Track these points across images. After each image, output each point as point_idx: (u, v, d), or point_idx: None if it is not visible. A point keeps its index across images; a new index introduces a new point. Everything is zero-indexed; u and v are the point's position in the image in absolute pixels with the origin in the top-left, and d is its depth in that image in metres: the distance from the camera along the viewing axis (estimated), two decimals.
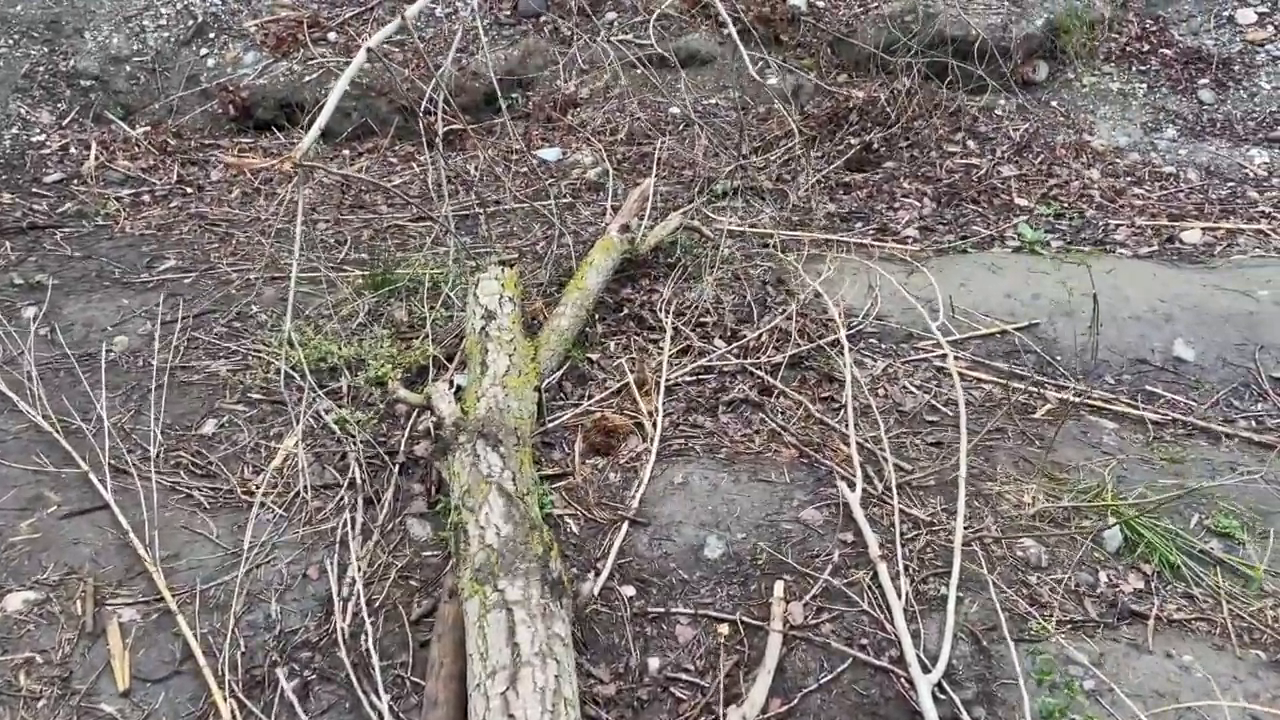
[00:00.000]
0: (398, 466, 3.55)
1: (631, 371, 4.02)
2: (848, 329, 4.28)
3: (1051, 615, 2.88)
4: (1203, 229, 5.55)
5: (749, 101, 6.92)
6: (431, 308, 4.47)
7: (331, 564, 3.15)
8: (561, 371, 4.01)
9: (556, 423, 3.76)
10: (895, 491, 3.31)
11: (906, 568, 3.02)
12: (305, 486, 3.48)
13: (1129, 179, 6.15)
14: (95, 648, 2.90)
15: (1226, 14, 7.34)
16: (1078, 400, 3.94)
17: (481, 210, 5.56)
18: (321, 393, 3.92)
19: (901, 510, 3.23)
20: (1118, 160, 6.34)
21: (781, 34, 7.43)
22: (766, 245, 5.18)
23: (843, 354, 4.14)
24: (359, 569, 3.11)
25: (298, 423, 3.73)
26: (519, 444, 3.18)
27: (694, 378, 4.04)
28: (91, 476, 3.50)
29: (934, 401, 3.95)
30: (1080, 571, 3.05)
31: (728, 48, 7.37)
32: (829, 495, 3.35)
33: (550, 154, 6.51)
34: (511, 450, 3.10)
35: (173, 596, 3.02)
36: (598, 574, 3.06)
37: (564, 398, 3.93)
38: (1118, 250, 5.29)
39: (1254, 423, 3.90)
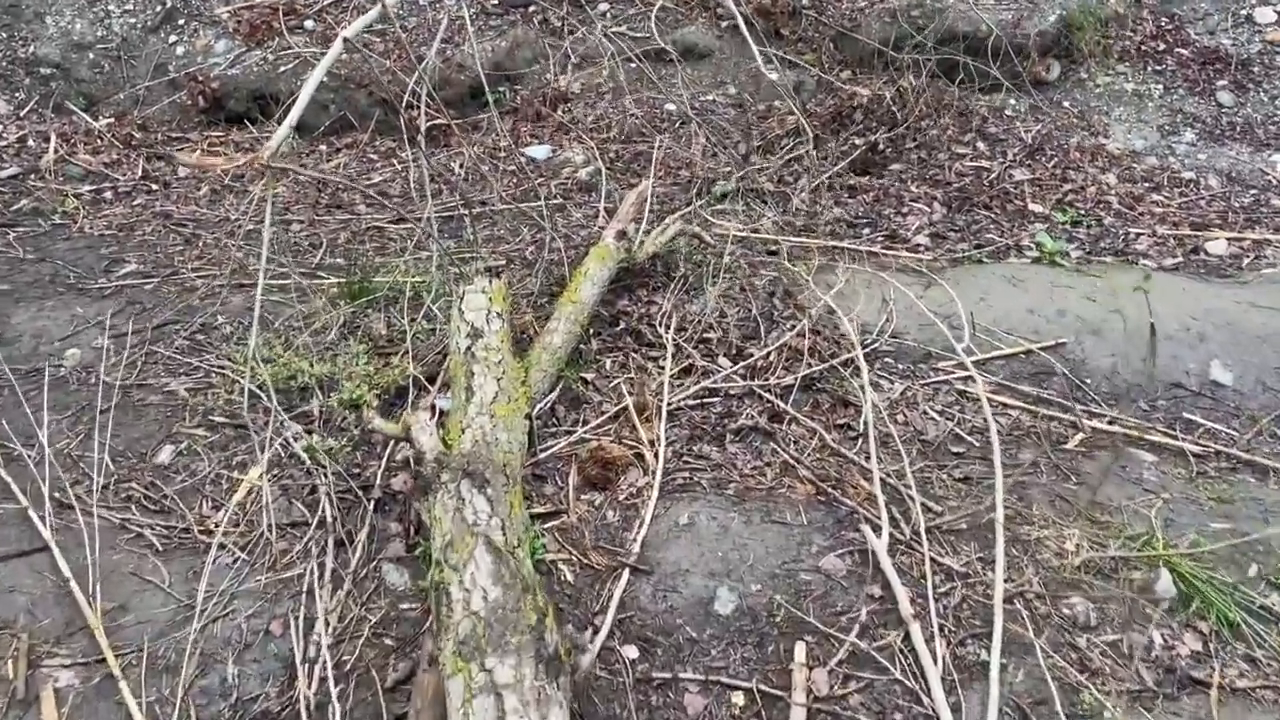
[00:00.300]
0: (373, 503, 3.21)
1: (630, 394, 3.69)
2: (863, 346, 3.96)
3: (1105, 684, 2.57)
4: (1228, 239, 5.27)
5: (748, 98, 6.59)
6: (413, 319, 4.13)
7: (297, 618, 2.81)
8: (554, 394, 3.68)
9: (549, 453, 3.42)
10: (925, 537, 2.99)
11: (942, 628, 2.71)
12: (270, 525, 3.13)
13: (1147, 185, 5.86)
14: (27, 718, 2.55)
15: (1244, 12, 7.06)
16: (1119, 431, 3.64)
17: (466, 212, 5.21)
18: (290, 416, 3.57)
19: (933, 559, 2.92)
20: (1135, 165, 6.05)
21: (782, 27, 7.10)
22: (772, 252, 4.86)
23: (858, 375, 3.83)
24: (327, 624, 2.77)
25: (263, 451, 3.38)
26: (509, 483, 2.85)
27: (698, 401, 3.72)
28: (31, 513, 3.14)
29: (958, 430, 3.64)
30: (1132, 631, 2.75)
31: (726, 41, 7.05)
32: (851, 540, 3.03)
33: (539, 152, 6.17)
34: (500, 492, 2.76)
35: (117, 657, 2.68)
36: (596, 631, 2.73)
37: (556, 423, 3.60)
38: (1141, 262, 4.99)
39: None
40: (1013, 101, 6.62)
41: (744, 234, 4.98)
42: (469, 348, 3.38)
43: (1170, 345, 4.12)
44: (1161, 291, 4.49)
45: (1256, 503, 3.28)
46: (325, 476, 3.30)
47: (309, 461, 3.38)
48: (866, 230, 5.26)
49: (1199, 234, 5.31)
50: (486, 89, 5.54)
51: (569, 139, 6.26)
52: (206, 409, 3.68)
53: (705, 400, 3.72)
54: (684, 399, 3.70)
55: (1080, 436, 3.63)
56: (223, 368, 3.91)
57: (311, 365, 3.78)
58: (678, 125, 6.32)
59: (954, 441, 3.58)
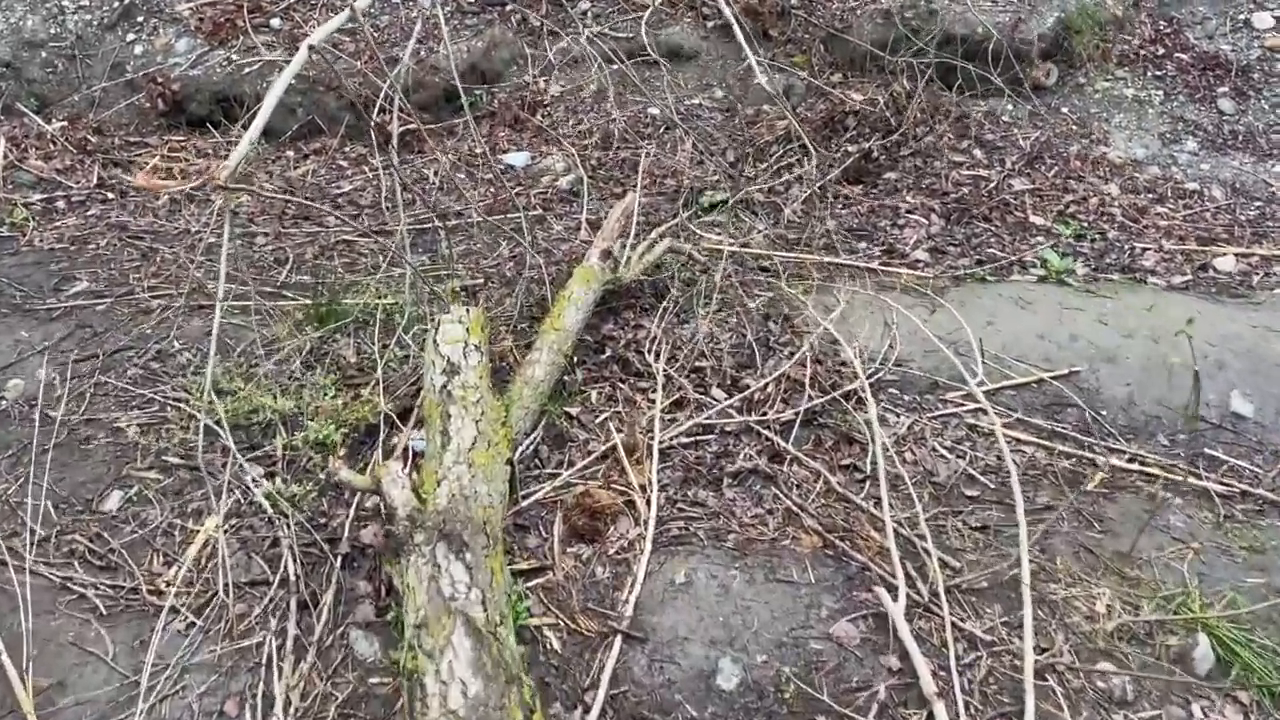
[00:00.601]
0: (340, 558, 2.93)
1: (619, 431, 3.43)
2: (867, 376, 3.72)
3: None
4: (1237, 255, 5.07)
5: (736, 102, 6.33)
6: (385, 345, 3.85)
7: (255, 695, 2.54)
8: (537, 433, 3.41)
9: (532, 499, 3.16)
10: (944, 597, 2.75)
11: (967, 705, 2.47)
12: (227, 585, 2.85)
13: (1150, 196, 5.65)
14: None
15: (1243, 17, 6.87)
16: (1138, 470, 3.42)
17: (441, 225, 4.92)
18: (250, 458, 3.28)
19: (954, 624, 2.68)
20: (1137, 175, 5.84)
21: (770, 28, 6.84)
22: (765, 269, 4.61)
23: (862, 408, 3.59)
24: (288, 704, 2.50)
25: (220, 498, 3.10)
26: (489, 544, 2.58)
27: (691, 439, 3.46)
28: None
29: (971, 469, 3.41)
30: (1171, 704, 2.52)
31: (713, 42, 6.79)
32: (864, 602, 2.79)
33: (518, 159, 5.88)
34: (480, 556, 2.50)
35: None
36: (586, 711, 2.47)
37: (540, 465, 3.33)
38: (1149, 279, 4.78)
39: None
40: (1010, 107, 6.40)
41: (735, 249, 4.72)
42: (445, 385, 3.10)
43: (1187, 374, 3.90)
44: (1176, 315, 4.28)
45: None
46: (288, 527, 3.02)
47: (270, 510, 3.09)
48: (863, 244, 5.02)
49: (1206, 249, 5.10)
50: (462, 92, 5.25)
51: (549, 145, 5.98)
52: (159, 449, 3.39)
53: (699, 438, 3.47)
54: (676, 437, 3.45)
55: (1100, 476, 3.41)
56: (178, 401, 3.61)
57: (274, 399, 3.49)
58: (663, 131, 6.06)
59: (967, 483, 3.35)
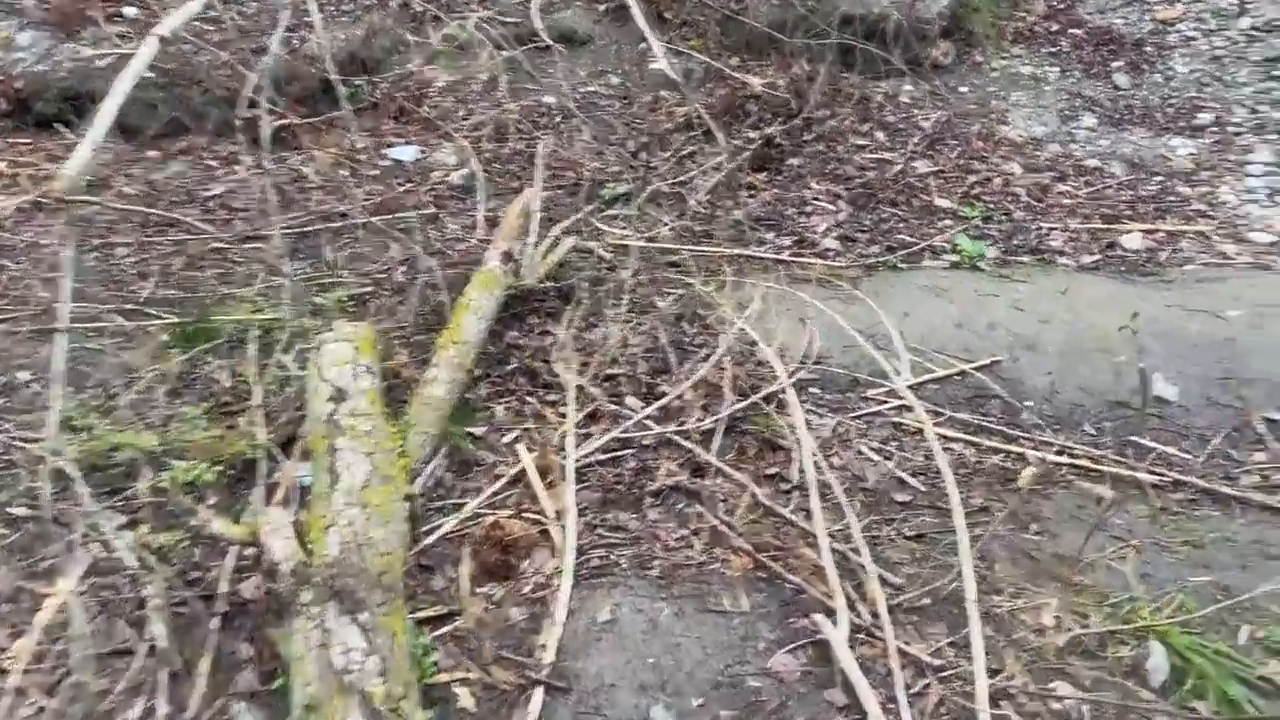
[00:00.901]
0: (217, 618, 2.59)
1: (529, 451, 3.15)
2: (788, 375, 3.52)
3: None
4: (1142, 232, 5.05)
5: (633, 89, 6.08)
6: (264, 365, 3.48)
7: None
8: (439, 459, 3.11)
9: (436, 535, 2.86)
10: (886, 618, 2.56)
11: None
12: (84, 657, 2.48)
13: (1052, 174, 5.60)
14: None
15: None
16: (1068, 463, 3.31)
17: (325, 227, 4.55)
18: (110, 505, 2.90)
19: (900, 649, 2.49)
20: (1038, 153, 5.80)
21: (665, 10, 6.61)
22: (674, 265, 4.38)
23: (784, 411, 3.39)
24: None
25: (74, 553, 2.72)
26: (388, 599, 2.28)
27: (609, 455, 3.21)
28: None
29: (900, 471, 3.24)
30: None
31: (606, 26, 6.52)
32: (802, 630, 2.58)
33: (405, 153, 5.52)
34: (377, 615, 2.20)
35: None
36: None
37: (443, 495, 3.04)
38: (1058, 260, 4.71)
39: (1260, 478, 3.34)
40: (910, 88, 6.30)
41: (642, 244, 4.47)
42: (331, 414, 2.78)
43: (1109, 359, 3.82)
44: (1091, 298, 4.21)
45: (1229, 544, 2.98)
46: (156, 584, 2.65)
47: (135, 565, 2.72)
48: (771, 234, 4.84)
49: (1112, 227, 5.07)
50: (339, 84, 4.86)
51: (439, 138, 5.63)
52: (2, 500, 2.97)
53: (617, 453, 3.22)
54: (592, 454, 3.19)
55: (1031, 471, 3.27)
56: (24, 442, 3.19)
57: (136, 435, 3.10)
58: (559, 120, 5.76)
59: (898, 487, 3.18)
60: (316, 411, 2.82)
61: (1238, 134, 6.10)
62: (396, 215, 4.69)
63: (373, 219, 4.70)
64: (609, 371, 3.58)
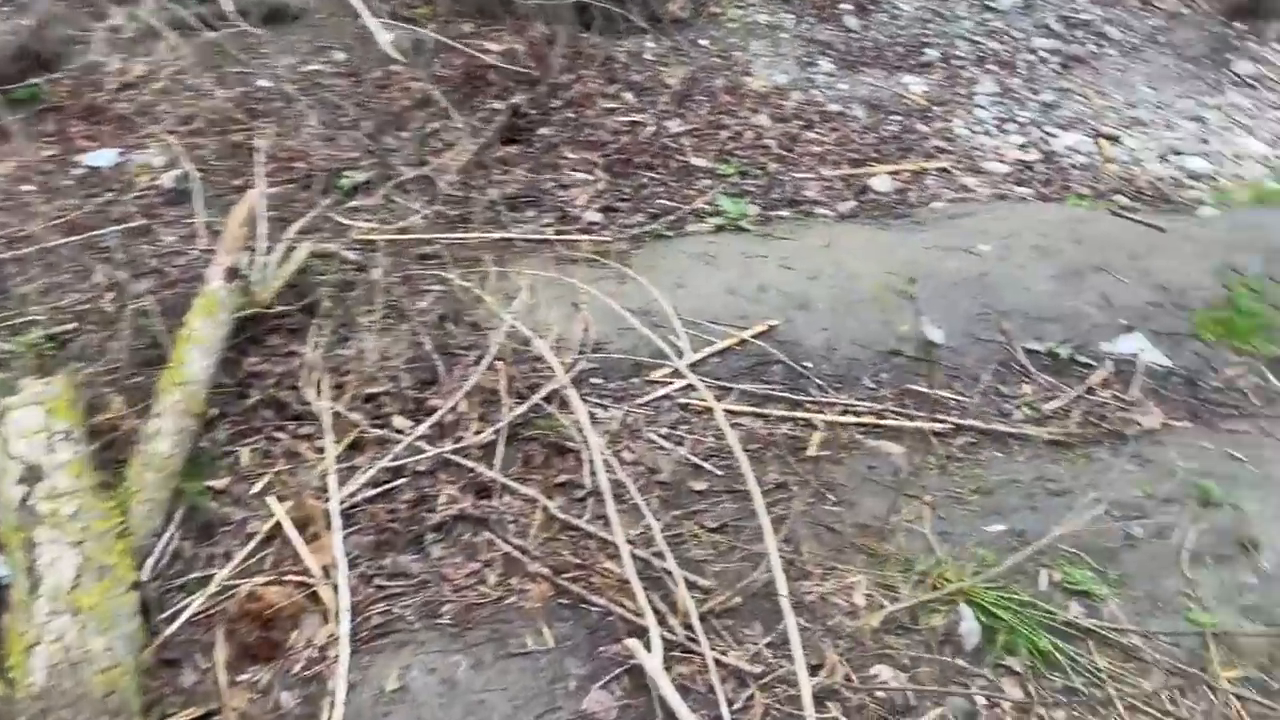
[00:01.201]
0: None
1: (283, 500, 2.76)
2: (566, 371, 3.29)
3: None
4: (889, 173, 5.14)
5: (360, 65, 5.58)
6: None
7: None
8: (173, 528, 2.66)
9: (179, 621, 2.44)
10: (700, 628, 2.40)
11: None
12: None
13: (799, 123, 5.62)
14: None
15: None
16: (854, 423, 3.26)
17: (10, 255, 3.87)
18: None
19: (717, 661, 2.33)
20: (783, 102, 5.80)
21: None
22: (431, 258, 4.02)
23: (568, 409, 3.15)
24: None
25: None
26: None
27: (379, 488, 2.87)
28: None
29: (693, 456, 3.09)
30: (952, 696, 2.34)
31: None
32: (615, 658, 2.38)
33: (103, 158, 4.80)
34: None
35: None
36: None
37: (183, 569, 2.60)
38: (817, 211, 4.72)
39: (1031, 411, 3.43)
40: (651, 44, 6.15)
41: (392, 238, 4.08)
42: (25, 500, 2.29)
43: (877, 309, 3.83)
44: (852, 248, 4.22)
45: (1015, 485, 3.02)
46: None
47: None
48: (531, 212, 4.56)
49: (861, 171, 5.13)
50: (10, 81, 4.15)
51: (141, 137, 4.94)
52: None
53: (389, 485, 2.88)
54: (360, 490, 2.83)
55: (820, 436, 3.21)
56: None
57: None
58: (281, 106, 5.20)
59: (694, 474, 3.03)
60: (6, 498, 2.32)
61: (962, 68, 6.37)
62: (97, 232, 4.06)
63: (68, 239, 4.05)
64: (369, 391, 3.21)
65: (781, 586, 2.46)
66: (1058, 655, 2.44)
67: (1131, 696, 2.37)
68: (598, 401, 3.29)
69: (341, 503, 2.76)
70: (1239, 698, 2.38)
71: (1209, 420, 3.41)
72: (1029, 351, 3.70)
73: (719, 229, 4.42)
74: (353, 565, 2.59)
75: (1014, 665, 2.42)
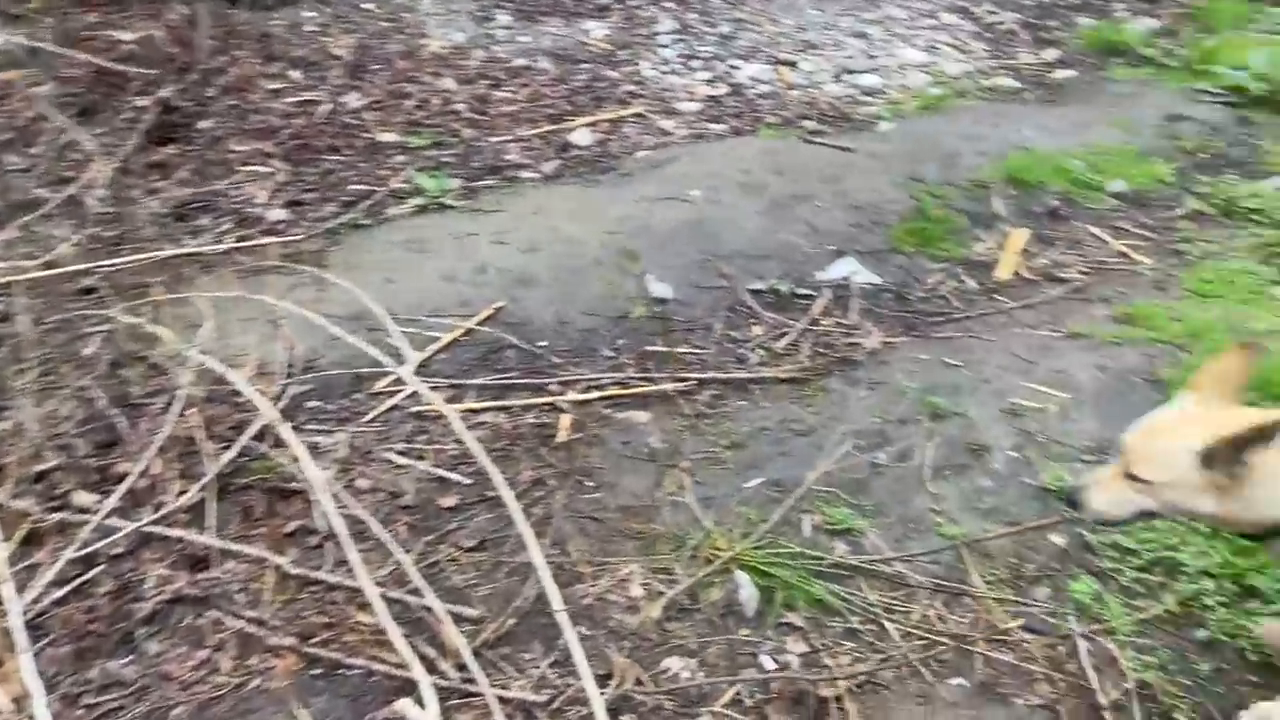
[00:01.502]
0: None
1: None
2: (275, 402, 2.92)
3: None
4: (588, 126, 5.01)
5: None
6: None
7: None
8: None
9: None
10: (475, 667, 2.19)
11: None
12: None
13: (486, 82, 5.38)
14: None
15: None
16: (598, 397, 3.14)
17: None
18: None
19: (499, 698, 2.14)
20: (465, 62, 5.54)
21: None
22: (89, 293, 3.47)
23: (285, 444, 2.81)
24: None
25: None
26: None
27: (69, 585, 2.42)
28: None
29: (438, 469, 2.85)
30: (742, 669, 2.29)
31: None
32: None
33: None
34: None
35: None
36: None
37: None
38: (522, 175, 4.53)
39: (763, 352, 3.44)
40: (310, 14, 5.68)
41: (36, 275, 3.48)
42: None
43: (602, 271, 3.72)
44: (568, 212, 4.08)
45: (765, 433, 3.01)
46: None
47: None
48: (204, 219, 4.06)
49: (559, 127, 4.98)
50: None
51: None
52: None
53: (81, 579, 2.44)
54: (45, 593, 2.38)
55: (569, 419, 3.06)
56: None
57: None
58: None
59: (441, 490, 2.79)
60: None
61: (638, 7, 6.34)
62: None
63: None
64: (37, 469, 2.71)
65: (555, 599, 2.29)
66: (833, 600, 2.44)
67: (904, 624, 2.42)
68: (319, 429, 2.97)
69: (24, 614, 2.29)
70: (998, 600, 2.48)
71: (923, 330, 3.56)
72: (753, 292, 3.72)
73: (422, 209, 4.13)
74: (51, 687, 2.16)
75: (795, 620, 2.40)
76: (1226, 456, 1.80)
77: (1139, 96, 5.46)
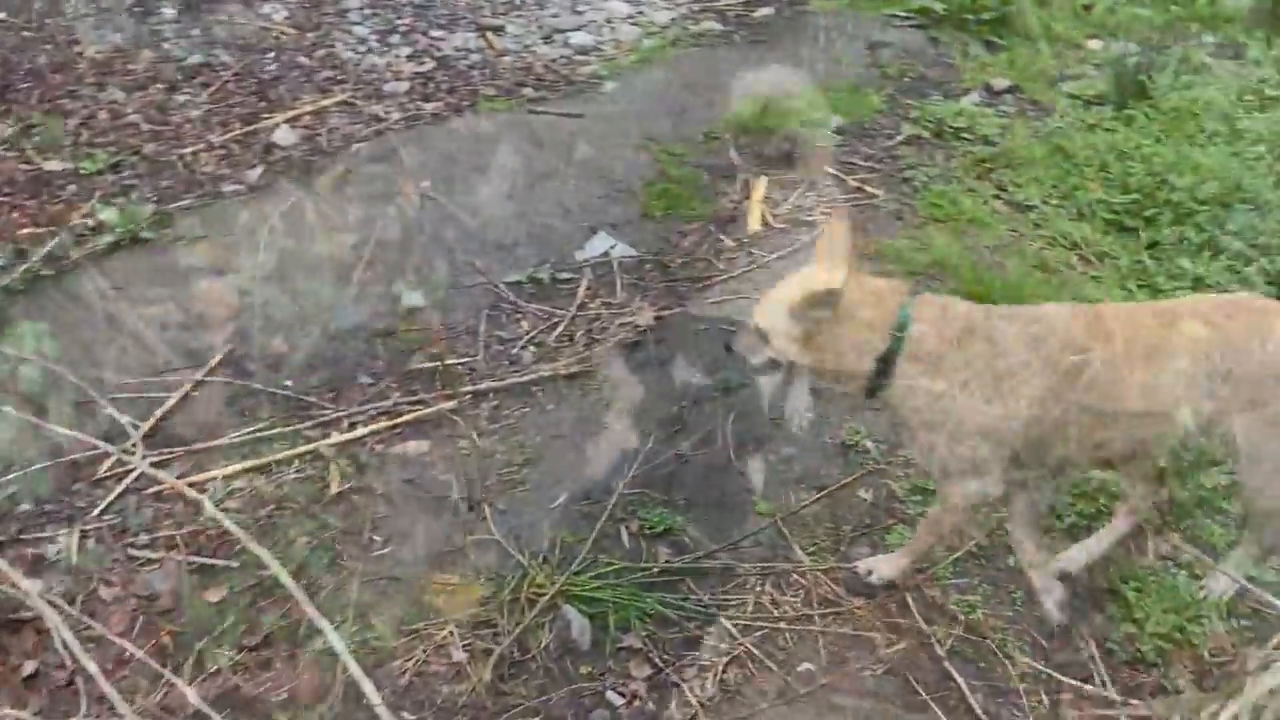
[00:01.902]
0: None
1: None
2: None
3: None
4: (289, 122, 4.52)
5: None
6: None
7: None
8: None
9: None
10: None
11: None
12: None
13: (161, 86, 4.74)
14: None
15: None
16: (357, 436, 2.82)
17: None
18: None
19: None
20: (131, 66, 4.86)
21: None
22: None
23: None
24: None
25: None
26: None
27: None
28: None
29: (195, 556, 2.45)
30: (594, 710, 2.11)
31: None
32: None
33: None
34: None
35: None
36: None
37: None
38: (224, 189, 4.02)
39: (535, 349, 3.23)
40: None
41: None
42: None
43: (343, 289, 3.35)
44: (286, 226, 3.63)
45: (558, 441, 2.82)
46: None
47: None
48: None
49: (256, 126, 4.46)
50: None
51: None
52: None
53: None
54: None
55: (338, 469, 2.73)
56: None
57: None
58: None
59: (203, 582, 2.42)
60: None
61: None
62: None
63: None
64: None
65: (369, 689, 2.00)
66: (666, 610, 2.31)
67: (738, 617, 2.33)
68: (40, 536, 2.47)
69: None
70: (825, 571, 2.44)
71: (692, 299, 3.46)
72: (512, 284, 3.48)
73: (114, 247, 3.55)
74: None
75: (634, 642, 2.26)
76: (800, 312, 2.06)
77: (839, 28, 5.60)
